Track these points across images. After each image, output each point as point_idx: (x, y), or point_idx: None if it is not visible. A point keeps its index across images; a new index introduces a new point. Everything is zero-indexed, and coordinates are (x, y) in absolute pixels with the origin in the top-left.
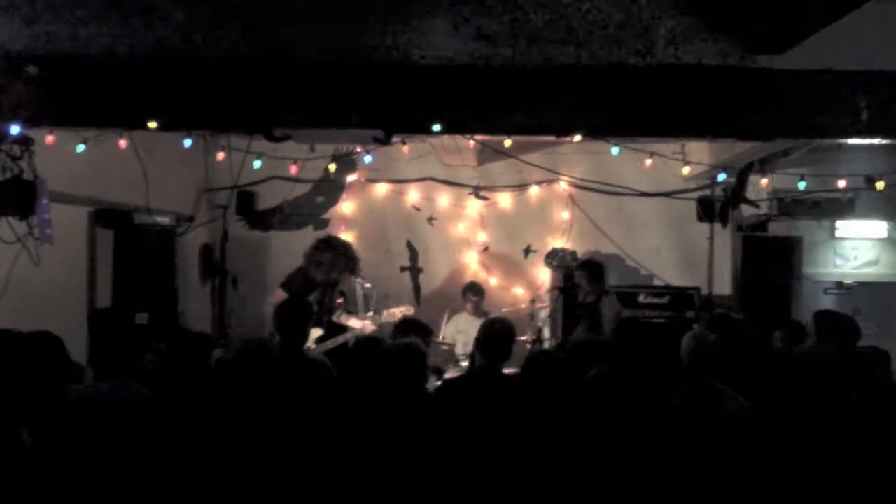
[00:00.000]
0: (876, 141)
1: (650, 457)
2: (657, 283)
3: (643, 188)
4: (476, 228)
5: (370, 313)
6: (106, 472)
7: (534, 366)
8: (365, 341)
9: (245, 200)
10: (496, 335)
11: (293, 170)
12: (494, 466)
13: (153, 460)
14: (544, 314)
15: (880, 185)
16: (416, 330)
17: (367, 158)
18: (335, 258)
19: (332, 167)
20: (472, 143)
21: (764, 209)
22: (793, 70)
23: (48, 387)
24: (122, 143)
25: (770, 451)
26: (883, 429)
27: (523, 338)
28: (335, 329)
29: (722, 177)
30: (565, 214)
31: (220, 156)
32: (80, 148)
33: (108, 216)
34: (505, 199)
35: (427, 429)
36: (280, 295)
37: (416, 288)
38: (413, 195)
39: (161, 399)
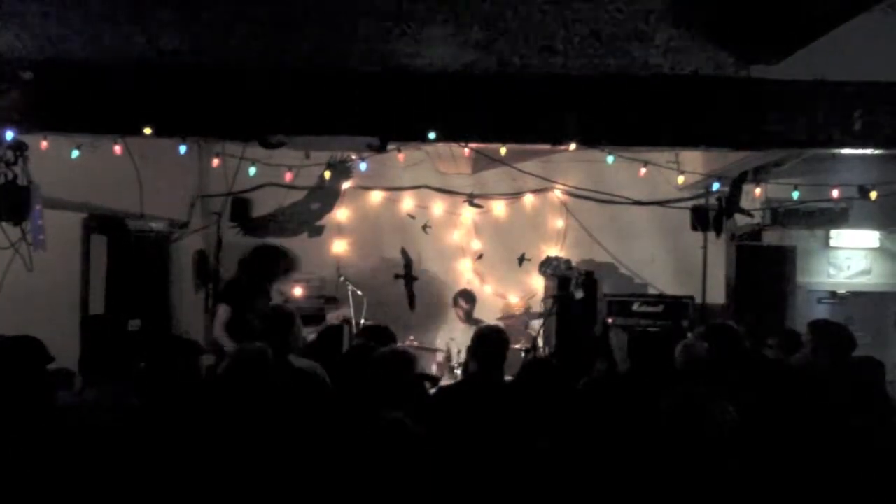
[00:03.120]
0: (869, 151)
1: (639, 464)
2: (651, 291)
3: (637, 197)
4: (470, 236)
5: (363, 321)
6: (89, 479)
7: (528, 373)
8: (359, 348)
9: (239, 207)
10: (490, 343)
11: (288, 177)
12: (490, 473)
13: (138, 467)
14: (538, 323)
15: (873, 194)
16: (378, 335)
17: (362, 166)
18: (270, 265)
19: (327, 174)
20: (466, 150)
21: (757, 218)
22: (787, 80)
23: (31, 391)
24: (117, 149)
25: (759, 459)
26: (877, 438)
27: (517, 346)
28: None
29: (716, 186)
30: (560, 223)
31: (215, 162)
32: (75, 154)
33: (101, 222)
34: (499, 208)
35: (422, 437)
36: (225, 310)
37: (411, 296)
38: (408, 203)
39: (147, 406)
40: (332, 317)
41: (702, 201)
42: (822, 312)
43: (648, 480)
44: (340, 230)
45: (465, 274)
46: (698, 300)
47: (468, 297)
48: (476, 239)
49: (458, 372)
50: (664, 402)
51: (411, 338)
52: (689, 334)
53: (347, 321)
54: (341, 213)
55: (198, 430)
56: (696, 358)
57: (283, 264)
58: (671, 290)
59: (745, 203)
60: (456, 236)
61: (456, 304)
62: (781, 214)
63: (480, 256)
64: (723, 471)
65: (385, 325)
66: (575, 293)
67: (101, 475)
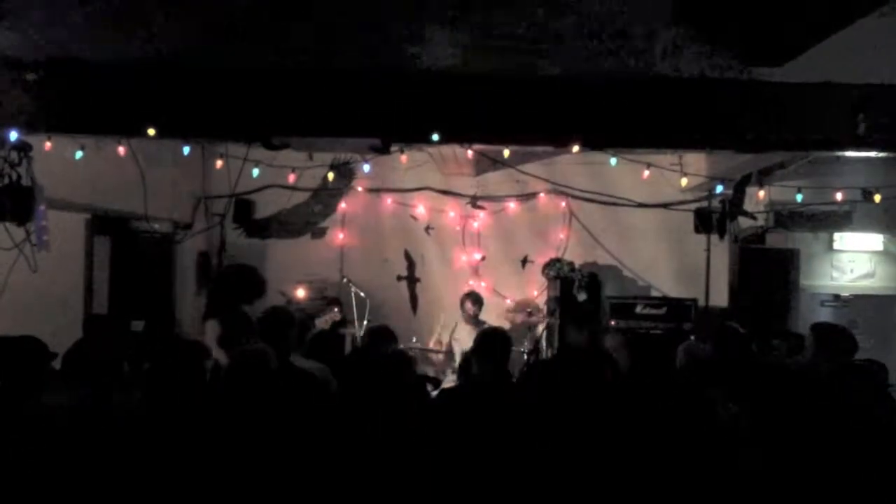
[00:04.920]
0: (873, 154)
1: (646, 465)
2: (654, 294)
3: (641, 199)
4: (473, 238)
5: (366, 322)
6: (79, 481)
7: (532, 375)
8: (360, 350)
9: (243, 209)
10: (493, 344)
11: (291, 178)
12: (494, 475)
13: (129, 470)
14: (541, 325)
15: (877, 197)
16: (379, 337)
17: (365, 167)
18: (244, 284)
19: (331, 176)
20: (469, 153)
21: (761, 221)
22: (791, 82)
23: (25, 392)
24: (121, 150)
25: (763, 461)
26: (879, 441)
27: (520, 348)
28: None
29: (719, 188)
30: (563, 225)
31: (219, 164)
32: (79, 154)
33: (105, 223)
34: (502, 210)
35: (426, 439)
36: (213, 326)
37: (413, 297)
38: (411, 205)
39: (145, 408)
40: (321, 321)
41: (705, 204)
42: (825, 315)
43: (653, 481)
44: (343, 232)
45: (468, 276)
46: (701, 303)
47: (475, 298)
48: (479, 241)
49: (454, 374)
50: (670, 404)
51: (414, 339)
52: (692, 336)
53: (339, 323)
54: (344, 215)
55: (200, 431)
56: (699, 360)
57: (249, 286)
58: (674, 292)
59: (748, 205)
60: (459, 238)
61: (463, 305)
62: (785, 217)
63: (483, 259)
64: (728, 472)
65: (387, 326)
66: (578, 295)
67: (85, 477)
